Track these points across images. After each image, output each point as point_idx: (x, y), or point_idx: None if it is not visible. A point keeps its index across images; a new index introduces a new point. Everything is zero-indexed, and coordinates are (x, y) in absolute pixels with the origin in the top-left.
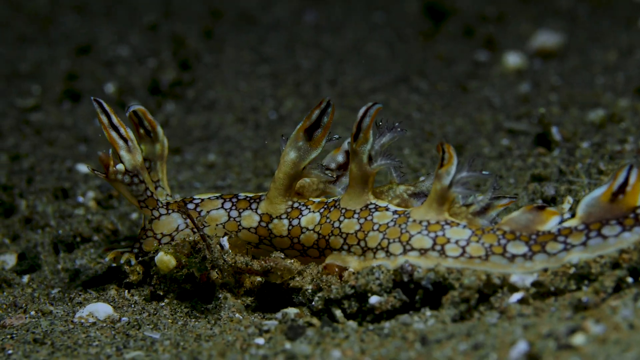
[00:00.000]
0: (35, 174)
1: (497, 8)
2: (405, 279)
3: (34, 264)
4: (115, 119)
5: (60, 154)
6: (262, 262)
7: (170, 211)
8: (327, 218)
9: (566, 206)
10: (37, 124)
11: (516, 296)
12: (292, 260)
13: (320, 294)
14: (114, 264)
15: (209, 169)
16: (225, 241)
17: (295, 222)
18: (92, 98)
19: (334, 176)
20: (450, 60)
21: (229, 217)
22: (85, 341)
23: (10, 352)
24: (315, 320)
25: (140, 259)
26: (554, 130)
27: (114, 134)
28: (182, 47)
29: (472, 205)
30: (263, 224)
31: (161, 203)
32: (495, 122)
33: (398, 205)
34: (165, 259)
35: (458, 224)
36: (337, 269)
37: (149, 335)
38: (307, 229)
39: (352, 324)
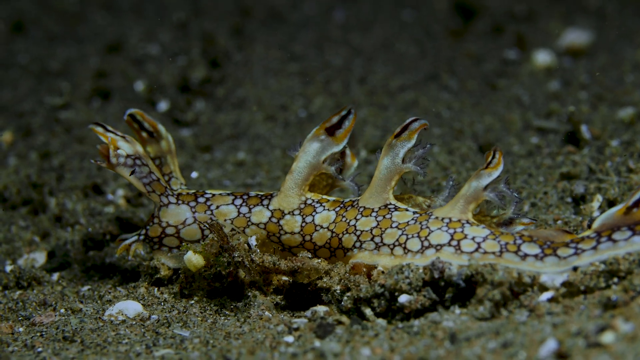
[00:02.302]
0: (65, 172)
1: (526, 6)
2: (436, 275)
3: (63, 262)
4: (109, 127)
5: (89, 151)
6: (290, 262)
7: (180, 202)
8: (343, 217)
9: (595, 204)
10: (67, 121)
11: (546, 295)
12: (320, 260)
13: (349, 294)
14: (129, 256)
15: (239, 167)
16: (253, 240)
17: (309, 219)
18: (89, 127)
19: (343, 178)
20: (480, 58)
21: (239, 212)
22: (115, 339)
23: (40, 349)
24: (344, 318)
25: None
26: (584, 128)
27: (109, 134)
28: (212, 45)
29: (497, 217)
30: (274, 219)
31: (171, 191)
32: (525, 120)
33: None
34: (193, 259)
35: (479, 225)
36: (364, 268)
37: (179, 333)
38: (322, 227)
39: (381, 322)
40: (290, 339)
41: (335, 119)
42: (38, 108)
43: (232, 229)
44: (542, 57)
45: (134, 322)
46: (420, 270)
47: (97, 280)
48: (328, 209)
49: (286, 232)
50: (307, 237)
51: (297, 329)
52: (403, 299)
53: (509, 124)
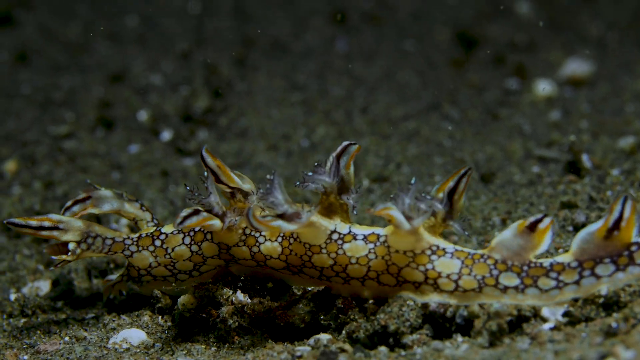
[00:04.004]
0: (69, 202)
1: (527, 36)
2: (439, 320)
3: (67, 290)
4: (34, 222)
5: (93, 181)
6: (284, 315)
7: (140, 248)
8: (291, 250)
9: None
10: (71, 151)
11: (548, 325)
12: (309, 294)
13: (347, 328)
14: (111, 296)
15: None
16: (240, 296)
17: (255, 249)
18: (6, 222)
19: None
20: (481, 88)
21: (191, 252)
22: None
23: None
24: (347, 346)
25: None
26: (585, 157)
27: (44, 233)
28: (215, 75)
29: (437, 214)
30: (224, 251)
31: (129, 241)
32: (526, 150)
33: (345, 205)
34: (186, 300)
35: (444, 251)
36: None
37: None
38: (272, 257)
39: (384, 350)
40: None
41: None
42: (42, 137)
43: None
44: (543, 87)
45: (138, 350)
46: (419, 307)
47: (101, 308)
48: (270, 240)
49: (240, 258)
50: (262, 263)
51: (300, 357)
52: (405, 340)
53: (510, 153)
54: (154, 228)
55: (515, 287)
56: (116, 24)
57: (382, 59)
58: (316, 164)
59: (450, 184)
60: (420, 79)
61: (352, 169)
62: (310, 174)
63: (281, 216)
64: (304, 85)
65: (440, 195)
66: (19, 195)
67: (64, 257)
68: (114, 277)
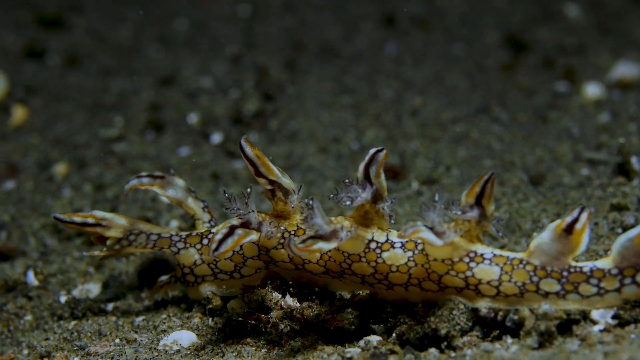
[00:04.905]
0: (119, 204)
1: (576, 40)
2: (490, 323)
3: (118, 293)
4: (78, 218)
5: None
6: (333, 321)
7: (188, 245)
8: (329, 257)
9: None
10: (121, 154)
11: (598, 327)
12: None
13: (398, 330)
14: (159, 298)
15: None
16: (289, 299)
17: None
18: (52, 216)
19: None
20: (531, 91)
21: (233, 251)
22: None
23: None
24: (397, 348)
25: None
26: (634, 159)
27: (88, 229)
28: (265, 78)
29: (471, 219)
30: (263, 252)
31: (177, 238)
32: (575, 152)
33: (383, 210)
34: (235, 304)
35: (482, 257)
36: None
37: None
38: (310, 261)
39: (434, 351)
40: None
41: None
42: (92, 140)
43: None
44: (592, 90)
45: (189, 352)
46: (469, 311)
47: (151, 311)
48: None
49: (278, 260)
50: (300, 267)
51: (350, 359)
52: (456, 342)
53: (559, 156)
54: (206, 229)
55: (557, 293)
56: (166, 27)
57: (431, 63)
58: (346, 180)
59: (477, 189)
60: (470, 82)
61: (382, 176)
62: (342, 193)
63: (320, 237)
64: (354, 88)
65: (470, 200)
66: (69, 198)
67: (96, 252)
68: (164, 278)
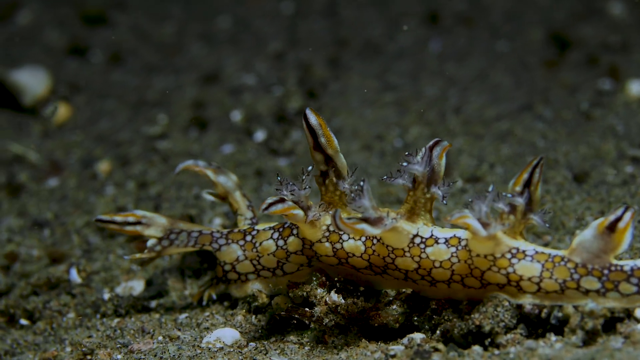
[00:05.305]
0: (162, 201)
1: (620, 37)
2: (535, 320)
3: (161, 290)
4: (119, 218)
5: (187, 181)
6: (377, 317)
7: (230, 241)
8: (374, 250)
9: None
10: (164, 151)
11: None
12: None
13: (441, 327)
14: (204, 303)
15: None
16: (334, 295)
17: (338, 245)
18: (94, 220)
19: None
20: (574, 88)
21: (277, 246)
22: None
23: None
24: (441, 346)
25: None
26: None
27: (128, 228)
28: (308, 75)
29: (517, 208)
30: (307, 246)
31: (218, 234)
32: (619, 150)
33: (431, 205)
34: (280, 300)
35: (524, 254)
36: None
37: None
38: (354, 255)
39: (477, 348)
40: None
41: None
42: (135, 138)
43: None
44: (637, 88)
45: (232, 349)
46: (514, 308)
47: (194, 308)
48: (354, 239)
49: (321, 255)
50: (343, 260)
51: (394, 356)
52: (500, 339)
53: (603, 153)
54: (249, 226)
55: (597, 291)
56: (209, 24)
57: (475, 60)
58: (407, 153)
59: (525, 176)
60: (513, 80)
61: (444, 160)
62: (404, 164)
63: (366, 220)
64: (397, 86)
65: (518, 188)
66: (113, 196)
67: (137, 255)
68: (204, 283)
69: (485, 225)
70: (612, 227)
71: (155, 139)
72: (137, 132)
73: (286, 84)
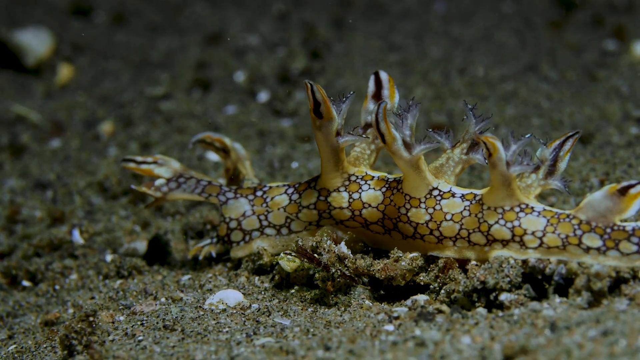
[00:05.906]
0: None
1: None
2: (539, 277)
3: (164, 251)
4: (139, 158)
5: (190, 142)
6: (384, 270)
7: (238, 195)
8: (391, 200)
9: None
10: (167, 112)
11: None
12: (412, 257)
13: (446, 287)
14: (200, 257)
15: None
16: (344, 247)
17: (355, 195)
18: (122, 159)
19: (368, 136)
20: (579, 49)
21: (290, 200)
22: (216, 327)
23: (140, 338)
24: (444, 307)
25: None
26: None
27: (143, 166)
28: (312, 36)
29: (539, 169)
30: (322, 198)
31: (227, 188)
32: (624, 111)
33: (462, 170)
34: (287, 266)
35: (532, 209)
36: (457, 263)
37: (279, 322)
38: (370, 205)
39: (481, 310)
40: (390, 327)
41: (312, 103)
42: (139, 98)
43: (287, 218)
44: None
45: (235, 311)
46: (520, 265)
47: (197, 270)
48: (374, 188)
49: (335, 207)
50: (357, 213)
51: (397, 318)
52: (504, 297)
53: (608, 115)
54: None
55: (598, 249)
56: None
57: (480, 20)
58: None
59: (557, 142)
60: (518, 40)
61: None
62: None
63: (402, 138)
64: (402, 46)
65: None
66: (115, 157)
67: (143, 188)
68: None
69: (508, 162)
70: (623, 191)
71: (159, 99)
72: (140, 93)
73: (290, 45)
